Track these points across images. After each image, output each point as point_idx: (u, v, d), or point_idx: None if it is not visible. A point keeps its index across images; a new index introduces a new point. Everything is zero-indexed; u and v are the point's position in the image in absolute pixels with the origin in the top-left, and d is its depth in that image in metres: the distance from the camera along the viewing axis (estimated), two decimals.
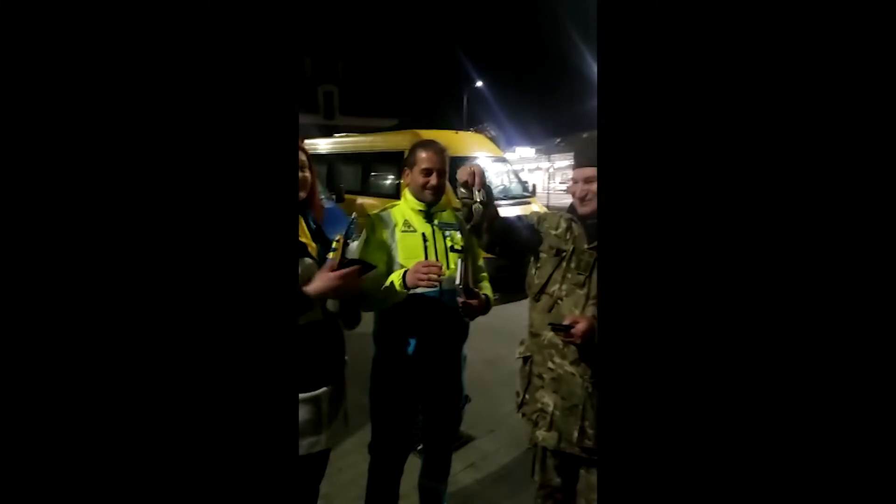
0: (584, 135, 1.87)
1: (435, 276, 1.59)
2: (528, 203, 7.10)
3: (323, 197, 6.75)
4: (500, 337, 3.63)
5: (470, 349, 2.00)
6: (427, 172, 1.82)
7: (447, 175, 1.87)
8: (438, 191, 1.84)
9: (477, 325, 1.88)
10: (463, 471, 2.66)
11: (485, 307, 1.79)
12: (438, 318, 1.81)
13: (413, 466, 2.07)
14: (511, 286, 2.17)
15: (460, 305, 1.72)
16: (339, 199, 7.34)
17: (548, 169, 25.84)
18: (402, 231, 1.81)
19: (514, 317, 1.90)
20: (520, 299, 1.78)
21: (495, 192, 3.58)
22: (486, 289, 1.93)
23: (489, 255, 1.69)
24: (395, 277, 1.69)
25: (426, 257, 1.78)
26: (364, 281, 1.57)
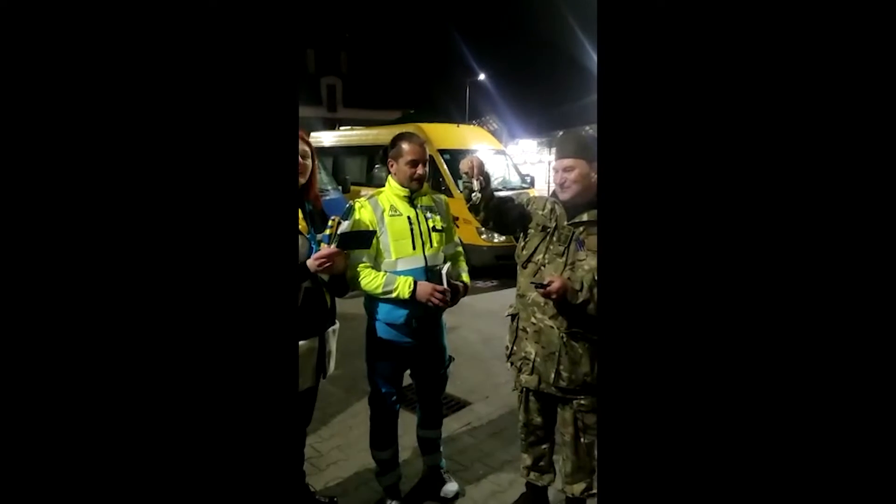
0: (561, 133, 2.21)
1: (444, 301, 2.02)
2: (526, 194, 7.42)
3: (330, 188, 7.09)
4: (495, 319, 3.95)
5: (468, 329, 2.31)
6: (413, 164, 2.08)
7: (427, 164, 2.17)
8: (422, 179, 2.13)
9: (475, 308, 2.19)
10: (460, 429, 3.00)
11: (464, 291, 2.16)
12: None
13: (412, 424, 2.41)
14: (509, 273, 2.48)
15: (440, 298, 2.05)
16: (345, 190, 7.66)
17: (550, 161, 26.01)
18: (390, 215, 2.09)
19: (508, 301, 2.21)
20: (515, 286, 2.10)
21: (495, 183, 3.90)
22: (462, 264, 2.26)
23: (488, 243, 1.94)
24: (403, 287, 2.00)
25: (412, 238, 2.08)
26: (353, 278, 2.04)
